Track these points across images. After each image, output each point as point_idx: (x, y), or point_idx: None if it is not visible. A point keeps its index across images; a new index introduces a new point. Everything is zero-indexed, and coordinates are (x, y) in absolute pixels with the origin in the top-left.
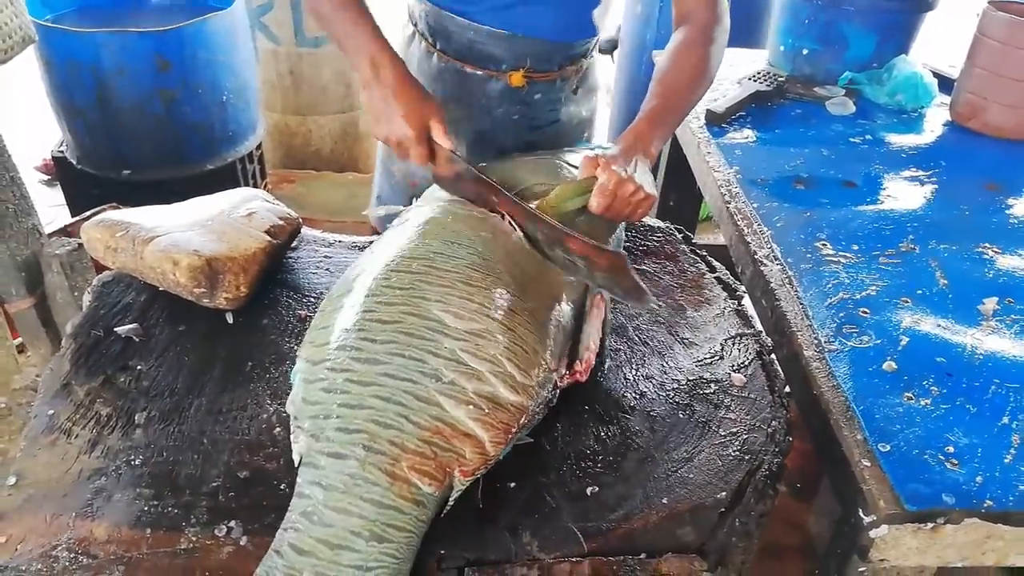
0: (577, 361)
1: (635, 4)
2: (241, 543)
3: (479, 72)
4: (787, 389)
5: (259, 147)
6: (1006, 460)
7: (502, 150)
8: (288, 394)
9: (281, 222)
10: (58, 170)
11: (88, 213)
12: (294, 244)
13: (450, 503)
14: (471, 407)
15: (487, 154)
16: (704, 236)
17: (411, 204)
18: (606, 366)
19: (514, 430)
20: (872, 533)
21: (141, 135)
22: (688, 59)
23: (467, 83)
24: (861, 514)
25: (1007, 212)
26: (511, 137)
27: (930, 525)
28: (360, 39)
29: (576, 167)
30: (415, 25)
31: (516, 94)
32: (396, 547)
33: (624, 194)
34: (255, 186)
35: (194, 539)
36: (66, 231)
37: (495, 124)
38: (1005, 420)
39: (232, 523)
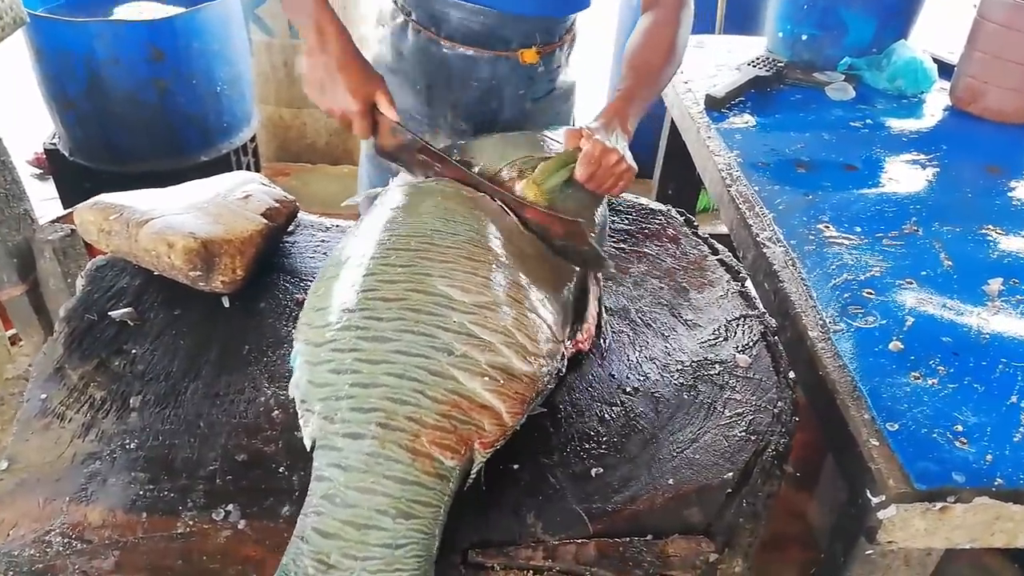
0: (579, 331)
1: None
2: (239, 527)
3: (487, 54)
4: (791, 374)
5: (253, 139)
6: (1015, 439)
7: (504, 125)
8: (287, 378)
9: (277, 205)
10: (50, 163)
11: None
12: (291, 228)
13: (472, 476)
14: (486, 379)
15: (491, 132)
16: (702, 227)
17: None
18: (607, 344)
19: (529, 399)
20: (880, 514)
21: (134, 126)
22: (660, 40)
23: (476, 66)
24: (869, 495)
25: (1009, 195)
26: (515, 111)
27: (939, 505)
28: (307, 8)
29: (557, 141)
30: (408, 15)
31: (525, 70)
32: (424, 522)
33: (608, 163)
34: None
35: (191, 523)
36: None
37: (502, 102)
38: (1014, 399)
39: (230, 507)
